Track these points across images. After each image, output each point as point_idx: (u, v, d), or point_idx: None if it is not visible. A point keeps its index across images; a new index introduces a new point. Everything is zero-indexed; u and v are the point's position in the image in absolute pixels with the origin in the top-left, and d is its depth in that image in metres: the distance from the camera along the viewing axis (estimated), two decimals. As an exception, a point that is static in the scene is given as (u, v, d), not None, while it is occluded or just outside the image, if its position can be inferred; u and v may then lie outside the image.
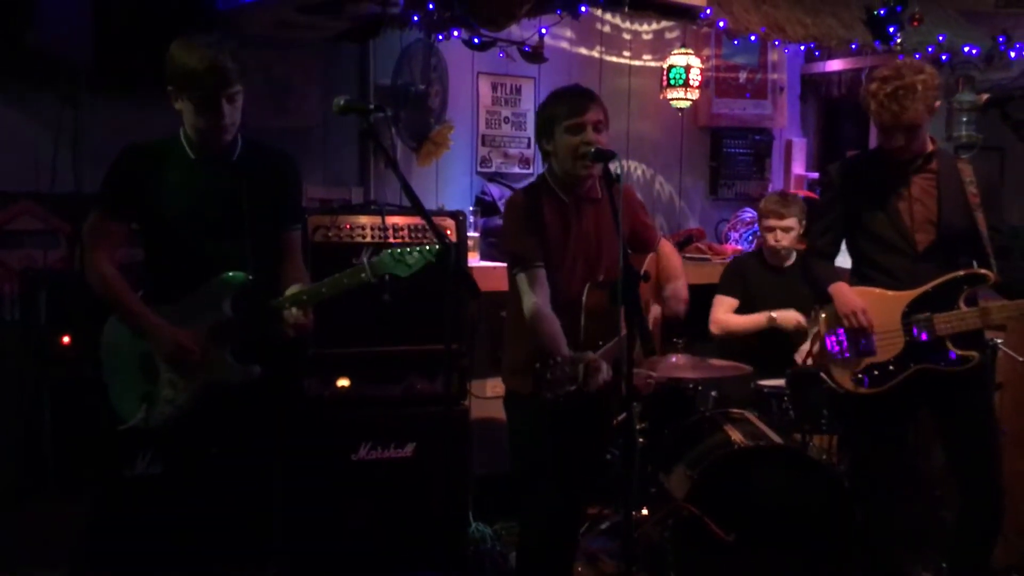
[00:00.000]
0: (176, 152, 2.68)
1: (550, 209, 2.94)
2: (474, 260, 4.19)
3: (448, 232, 3.65)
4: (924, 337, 3.09)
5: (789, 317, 4.07)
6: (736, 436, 3.54)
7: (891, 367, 3.13)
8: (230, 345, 2.70)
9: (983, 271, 3.08)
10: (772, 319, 4.11)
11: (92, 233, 2.69)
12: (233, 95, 2.58)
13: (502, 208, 4.40)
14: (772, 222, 4.24)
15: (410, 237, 3.74)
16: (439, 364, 3.73)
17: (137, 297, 2.68)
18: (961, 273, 3.09)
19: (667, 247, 3.25)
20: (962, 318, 3.08)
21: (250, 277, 2.70)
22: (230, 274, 2.69)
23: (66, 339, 3.32)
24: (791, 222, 4.20)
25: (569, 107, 2.85)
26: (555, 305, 2.84)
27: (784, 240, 4.21)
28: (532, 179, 3.39)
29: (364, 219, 3.72)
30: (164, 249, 2.70)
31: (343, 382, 3.66)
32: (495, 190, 4.70)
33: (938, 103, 3.07)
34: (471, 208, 4.59)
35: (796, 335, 4.01)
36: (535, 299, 2.83)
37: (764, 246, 4.32)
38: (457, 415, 3.77)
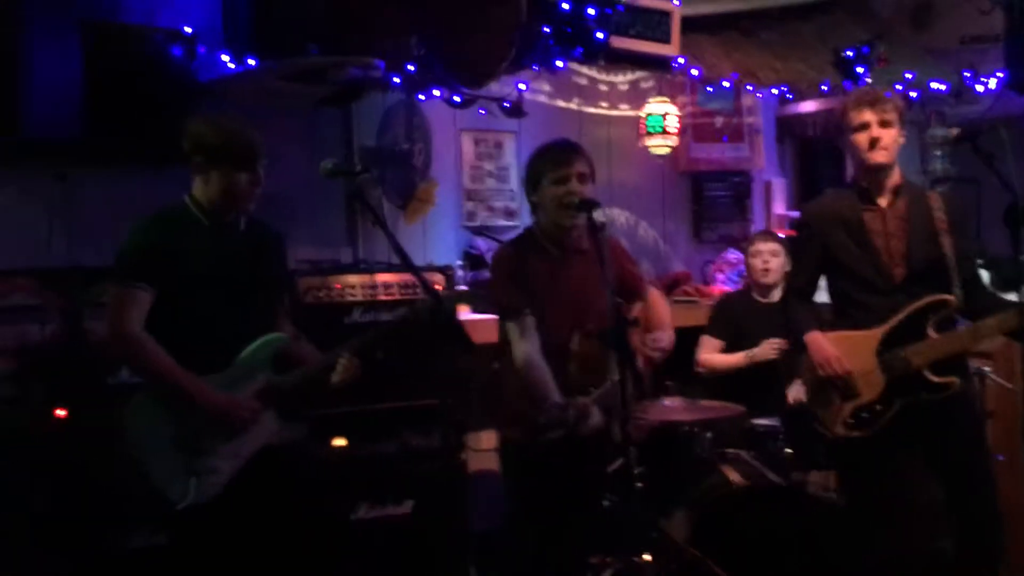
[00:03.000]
0: (189, 220, 2.76)
1: (537, 260, 2.99)
2: (465, 313, 4.22)
3: (438, 287, 3.69)
4: (902, 372, 3.12)
5: (766, 351, 4.10)
6: (734, 476, 3.55)
7: (878, 406, 3.15)
8: (276, 407, 2.79)
9: (944, 297, 3.11)
10: (750, 357, 4.15)
11: (117, 304, 2.67)
12: (263, 164, 2.77)
13: (490, 261, 4.45)
14: (759, 246, 4.31)
15: (400, 294, 3.78)
16: (433, 419, 3.75)
17: (181, 368, 2.67)
18: (923, 302, 3.12)
19: (656, 296, 3.30)
20: (933, 346, 3.10)
21: (286, 337, 2.82)
22: (269, 337, 2.81)
23: (61, 413, 3.32)
24: (776, 247, 4.27)
25: (554, 160, 2.94)
26: (543, 353, 2.88)
27: (772, 264, 4.26)
28: (518, 230, 3.45)
29: (354, 278, 3.76)
30: (185, 318, 2.72)
31: (339, 442, 3.66)
32: (482, 244, 4.76)
33: (905, 121, 3.18)
34: (459, 263, 4.64)
35: (785, 365, 4.04)
36: (525, 347, 2.87)
37: (751, 279, 4.38)
38: (454, 469, 3.78)
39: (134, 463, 2.64)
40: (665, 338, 3.08)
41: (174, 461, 2.66)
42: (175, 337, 2.68)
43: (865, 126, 3.14)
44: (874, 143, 3.13)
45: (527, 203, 3.13)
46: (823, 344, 3.20)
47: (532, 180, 3.00)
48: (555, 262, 3.01)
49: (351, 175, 2.71)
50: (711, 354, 4.32)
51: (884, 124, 3.12)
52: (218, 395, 2.69)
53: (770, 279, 4.28)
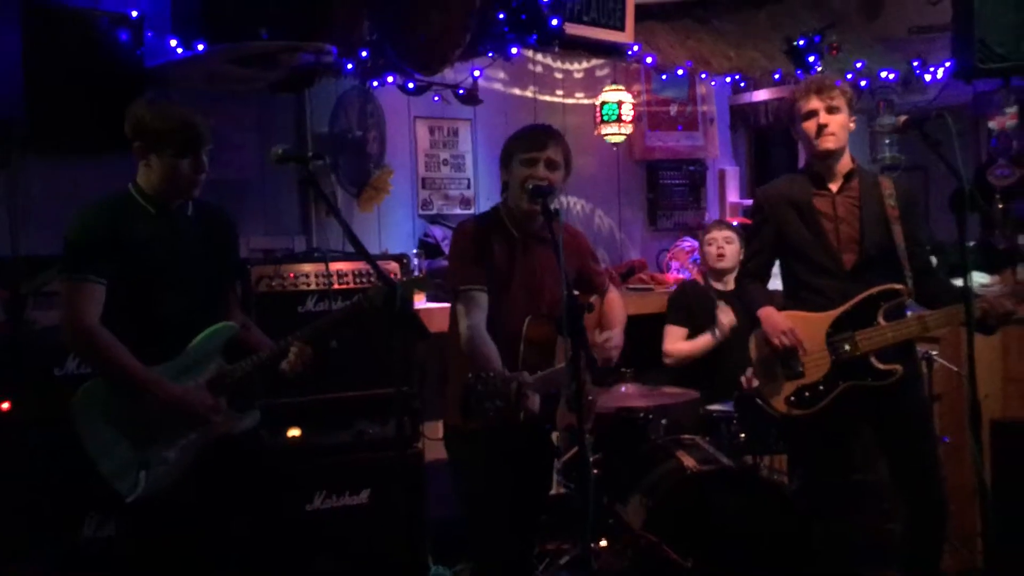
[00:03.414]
0: (135, 208, 2.71)
1: (498, 240, 2.99)
2: (420, 302, 4.20)
3: (393, 275, 3.67)
4: (848, 355, 3.17)
5: (723, 324, 4.13)
6: (688, 462, 3.58)
7: (821, 387, 3.21)
8: (227, 396, 2.75)
9: (896, 286, 3.18)
10: (715, 334, 4.18)
11: (72, 297, 2.61)
12: (208, 150, 2.71)
13: (446, 249, 4.43)
14: (714, 234, 4.35)
15: (355, 283, 3.75)
16: (389, 408, 3.73)
17: (137, 360, 2.62)
18: (875, 290, 3.18)
19: (614, 295, 3.30)
20: (882, 333, 3.17)
21: (236, 326, 2.79)
22: (219, 325, 2.77)
23: (5, 405, 3.24)
24: (730, 235, 4.31)
25: (527, 142, 2.95)
26: (495, 336, 2.87)
27: (727, 251, 4.29)
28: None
29: (308, 267, 3.72)
30: (136, 307, 2.68)
31: (294, 432, 3.63)
32: (438, 232, 4.74)
33: (854, 107, 3.24)
34: (415, 251, 4.62)
35: (742, 357, 4.08)
36: (471, 321, 2.86)
37: (707, 266, 4.41)
38: (410, 458, 3.76)
39: (82, 452, 2.59)
40: (616, 336, 3.08)
41: (124, 453, 2.62)
42: (125, 326, 2.63)
43: (813, 113, 3.19)
44: (821, 129, 3.18)
45: (485, 187, 3.12)
46: (776, 317, 3.25)
47: (505, 157, 3.01)
48: (515, 245, 3.01)
49: (303, 160, 2.66)
50: (676, 343, 4.34)
51: (831, 110, 3.18)
52: (175, 387, 2.65)
53: (725, 264, 4.31)
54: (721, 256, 4.31)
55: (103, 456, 2.61)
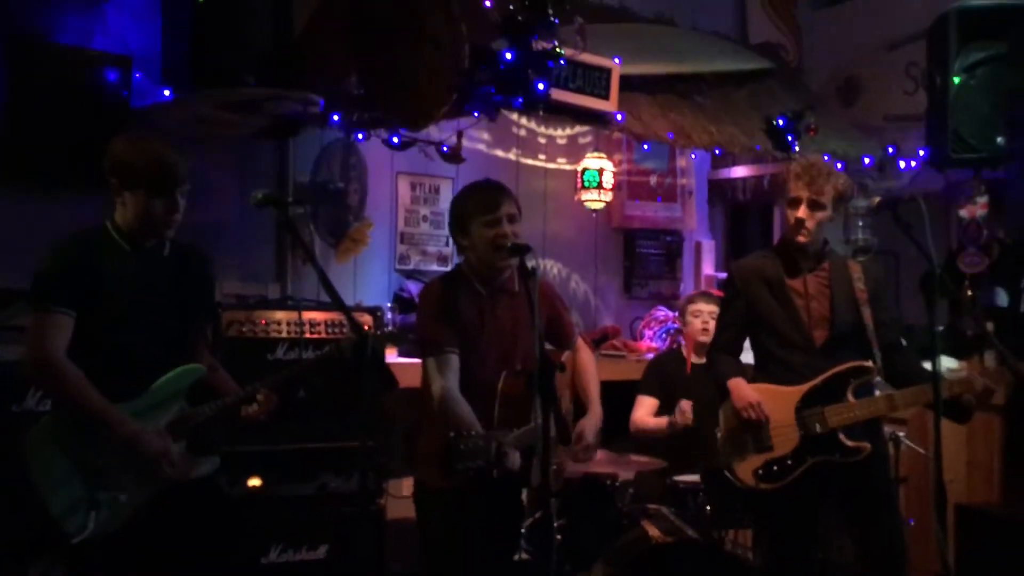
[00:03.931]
0: (109, 245, 2.68)
1: (466, 299, 2.98)
2: (392, 356, 4.17)
3: (366, 327, 3.65)
4: (817, 430, 3.18)
5: (683, 410, 4.08)
6: (653, 532, 3.54)
7: (789, 461, 3.20)
8: (187, 439, 2.70)
9: (866, 364, 3.21)
10: (672, 422, 4.13)
11: (39, 329, 2.56)
12: (184, 191, 2.68)
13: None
14: (700, 306, 4.31)
15: (327, 333, 3.72)
16: (353, 461, 3.67)
17: (101, 396, 2.57)
18: (845, 367, 3.20)
19: (585, 356, 3.25)
20: (851, 409, 3.18)
21: (204, 369, 2.76)
22: (186, 367, 2.73)
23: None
24: (716, 308, 4.30)
25: (483, 203, 2.94)
26: (468, 392, 2.85)
27: (711, 326, 4.25)
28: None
29: (280, 314, 3.70)
30: (102, 343, 2.63)
31: (254, 481, 3.56)
32: (413, 287, 4.73)
33: (843, 203, 3.28)
34: (389, 305, 4.60)
35: (710, 431, 4.06)
36: (444, 383, 2.84)
37: (689, 338, 4.38)
38: (372, 514, 3.70)
39: (33, 491, 2.51)
40: (589, 433, 3.03)
41: (75, 491, 2.55)
42: (89, 361, 2.59)
43: (797, 202, 3.22)
44: (799, 223, 3.23)
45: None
46: (745, 389, 3.25)
47: (459, 222, 2.99)
48: (484, 301, 3.00)
49: (283, 205, 2.66)
50: (643, 416, 4.31)
51: (814, 206, 3.20)
52: (132, 425, 2.59)
53: (709, 338, 4.30)
54: (706, 330, 4.27)
55: (53, 494, 2.54)
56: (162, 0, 3.57)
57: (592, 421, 3.06)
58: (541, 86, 3.65)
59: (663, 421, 4.19)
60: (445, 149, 4.22)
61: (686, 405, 4.04)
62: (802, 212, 3.21)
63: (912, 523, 4.03)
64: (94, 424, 2.56)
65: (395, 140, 4.04)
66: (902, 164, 5.47)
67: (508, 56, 3.58)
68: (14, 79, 3.59)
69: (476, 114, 3.92)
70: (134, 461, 2.59)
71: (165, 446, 2.62)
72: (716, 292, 5.35)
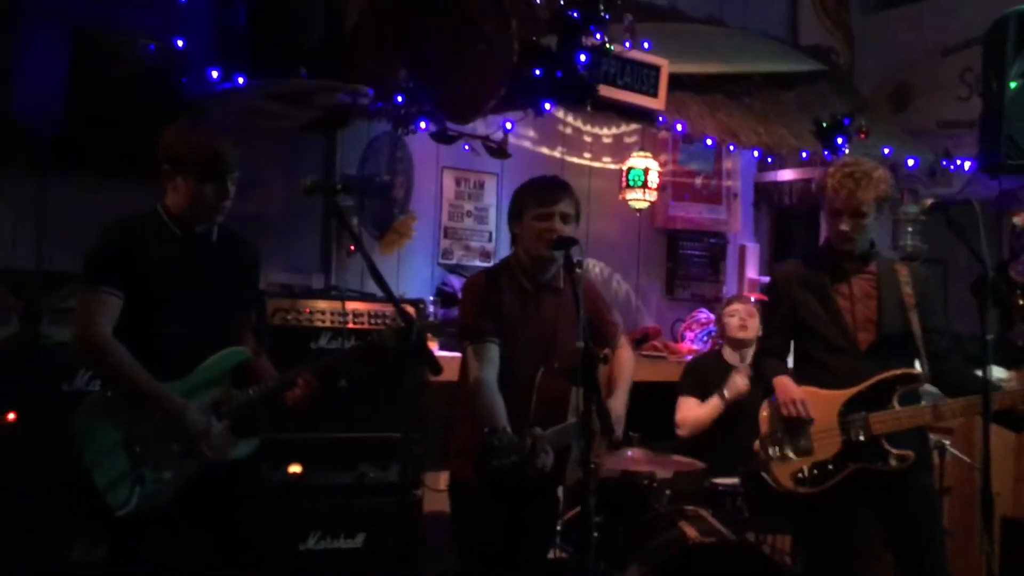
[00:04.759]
0: (159, 228, 2.74)
1: (510, 292, 2.99)
2: (432, 349, 4.18)
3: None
4: (860, 436, 3.13)
5: (736, 385, 4.07)
6: (691, 532, 3.51)
7: (830, 466, 3.16)
8: (230, 420, 2.74)
9: (914, 371, 3.15)
10: (723, 396, 4.12)
11: (88, 308, 2.63)
12: (234, 178, 2.75)
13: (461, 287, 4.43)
14: (736, 306, 4.33)
15: (370, 323, 3.75)
16: (392, 452, 3.70)
17: (147, 373, 2.62)
18: (893, 373, 3.15)
19: (625, 352, 3.25)
20: (896, 417, 3.12)
21: (248, 352, 2.81)
22: (231, 350, 2.79)
23: (11, 416, 3.23)
24: (752, 309, 4.30)
25: (539, 196, 2.96)
26: (506, 387, 2.86)
27: (748, 324, 4.26)
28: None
29: (324, 304, 3.73)
30: (148, 324, 2.68)
31: (295, 468, 3.59)
32: (456, 281, 4.74)
33: (887, 204, 3.20)
34: (431, 298, 4.62)
35: (753, 433, 4.02)
36: (482, 374, 2.85)
37: (727, 336, 4.37)
38: (409, 505, 3.71)
39: (79, 465, 2.57)
40: (617, 406, 3.03)
41: (120, 466, 2.60)
42: (136, 341, 2.64)
43: (839, 213, 3.17)
44: (843, 236, 3.18)
45: (506, 241, 3.14)
46: (791, 386, 3.21)
47: (515, 211, 3.02)
48: (528, 297, 3.00)
49: (332, 192, 2.71)
50: (690, 412, 4.29)
51: (857, 215, 3.15)
52: (179, 401, 2.64)
53: (747, 335, 4.29)
54: (743, 327, 4.28)
55: (100, 467, 2.59)
56: (216, -8, 3.62)
57: (616, 405, 3.04)
58: (589, 82, 3.63)
59: (714, 402, 4.16)
60: (493, 144, 4.21)
61: (739, 377, 4.01)
62: (845, 225, 3.15)
63: (953, 535, 3.94)
64: (139, 400, 2.62)
65: (440, 130, 4.01)
66: (958, 166, 5.36)
67: (556, 50, 3.57)
68: (76, 69, 3.67)
69: (524, 109, 3.90)
70: (177, 437, 2.63)
71: (207, 424, 2.66)
72: (755, 295, 5.32)
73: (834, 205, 3.18)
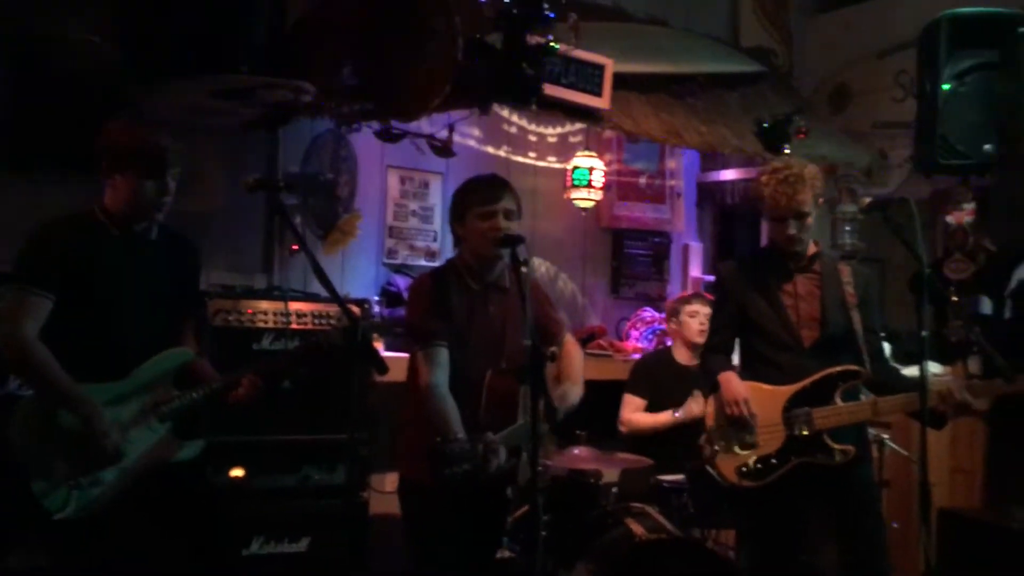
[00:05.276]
0: (95, 227, 2.67)
1: (456, 293, 2.97)
2: (378, 349, 4.15)
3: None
4: (803, 431, 3.18)
5: (692, 409, 4.12)
6: (638, 530, 3.53)
7: (773, 460, 3.21)
8: (173, 422, 2.69)
9: (856, 368, 3.22)
10: (675, 416, 4.16)
11: (13, 309, 2.57)
12: (175, 174, 2.69)
13: (407, 290, 4.40)
14: (696, 307, 4.35)
15: (314, 324, 3.70)
16: (338, 454, 3.66)
17: (70, 378, 2.56)
18: (836, 370, 3.21)
19: (571, 346, 3.27)
20: (839, 412, 3.19)
21: (191, 353, 2.77)
22: (174, 351, 2.74)
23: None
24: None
25: (481, 194, 2.94)
26: (456, 389, 2.84)
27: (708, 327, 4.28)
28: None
29: (266, 304, 3.68)
30: (84, 325, 2.63)
31: (237, 472, 3.52)
32: (401, 281, 4.71)
33: (821, 200, 3.28)
34: (376, 298, 4.58)
35: (698, 431, 4.06)
36: (433, 379, 2.82)
37: (684, 338, 4.38)
38: (355, 508, 3.67)
39: (13, 470, 2.49)
40: (571, 392, 3.04)
41: (57, 469, 2.54)
42: (75, 342, 2.59)
43: (782, 219, 3.22)
44: (790, 239, 3.24)
45: (451, 241, 3.12)
46: (736, 383, 3.25)
47: (457, 212, 2.99)
48: (475, 297, 2.99)
49: (274, 189, 2.67)
50: (634, 413, 4.31)
51: (799, 216, 3.21)
52: (92, 404, 2.57)
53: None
54: (703, 331, 4.29)
55: (36, 472, 2.53)
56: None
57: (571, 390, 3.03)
58: (534, 81, 3.63)
59: (665, 416, 4.19)
60: (438, 142, 4.19)
61: (696, 405, 4.03)
62: (792, 229, 3.21)
63: (896, 526, 4.03)
64: (60, 403, 2.55)
65: (386, 132, 3.99)
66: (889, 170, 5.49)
67: (501, 48, 3.56)
68: (14, 70, 3.58)
69: (468, 107, 3.88)
70: (91, 441, 2.56)
71: (113, 448, 2.58)
72: (708, 295, 5.38)
73: (776, 212, 3.23)
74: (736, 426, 3.23)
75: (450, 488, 2.62)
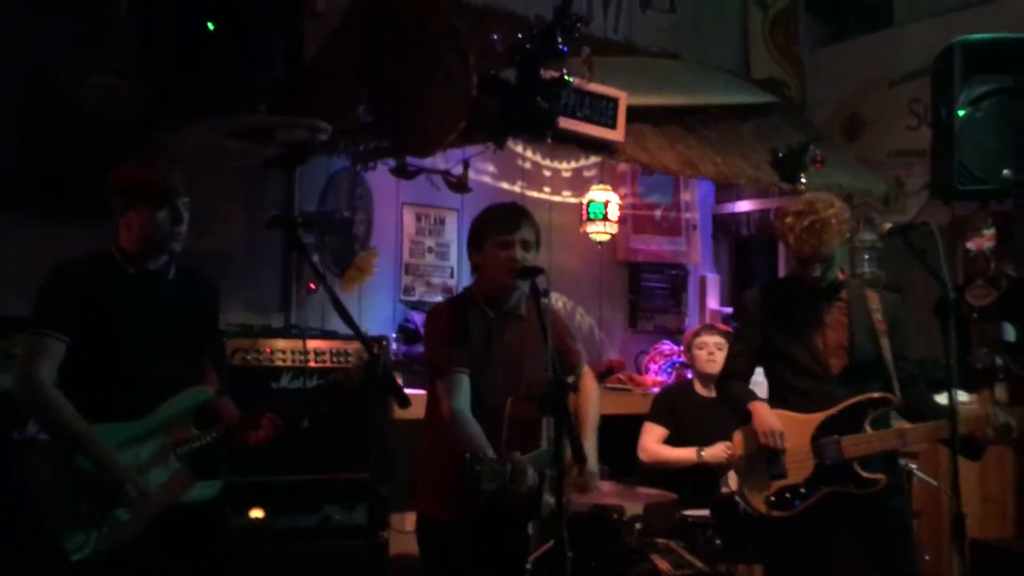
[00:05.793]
0: (112, 267, 2.67)
1: (473, 321, 2.95)
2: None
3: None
4: (833, 460, 3.13)
5: (717, 453, 4.06)
6: (663, 565, 3.48)
7: (802, 489, 3.16)
8: (190, 461, 2.67)
9: (887, 395, 3.17)
10: (701, 456, 4.10)
11: (31, 352, 2.56)
12: (186, 203, 2.68)
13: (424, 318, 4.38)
14: (704, 338, 4.33)
15: (332, 361, 3.69)
16: (358, 493, 3.62)
17: (84, 422, 2.55)
18: (866, 397, 3.16)
19: (588, 384, 3.19)
20: (869, 440, 3.14)
21: (211, 391, 2.74)
22: (194, 389, 2.72)
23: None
24: (721, 340, 4.30)
25: (500, 224, 2.93)
26: (477, 417, 2.81)
27: (717, 356, 4.25)
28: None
29: (284, 343, 3.67)
30: (101, 364, 2.61)
31: (257, 513, 3.49)
32: (418, 318, 4.70)
33: (846, 226, 3.24)
34: (393, 335, 4.57)
35: (723, 467, 4.01)
36: (455, 404, 2.80)
37: (696, 369, 4.37)
38: (375, 548, 3.63)
39: (35, 512, 2.47)
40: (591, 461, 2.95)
41: (75, 511, 2.51)
42: (93, 382, 2.58)
43: (808, 262, 3.22)
44: (817, 280, 3.22)
45: (468, 277, 3.11)
46: (767, 413, 3.21)
47: (476, 239, 2.98)
48: (491, 324, 2.97)
49: (293, 225, 2.67)
50: (657, 444, 4.26)
51: (824, 260, 3.20)
52: (115, 467, 2.55)
53: (716, 368, 4.27)
54: (712, 360, 4.27)
55: (54, 514, 2.50)
56: (174, 27, 3.57)
57: (589, 446, 2.99)
58: (549, 115, 3.64)
59: (688, 454, 4.13)
60: (452, 178, 4.20)
61: (723, 450, 3.96)
62: (817, 272, 3.21)
63: (928, 558, 3.95)
64: (73, 447, 2.53)
65: (402, 169, 4.00)
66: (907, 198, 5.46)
67: (515, 83, 3.58)
68: (30, 108, 3.61)
69: (483, 143, 3.89)
70: (107, 486, 2.54)
71: (134, 482, 2.56)
72: (721, 326, 5.34)
73: (801, 256, 3.23)
74: (765, 456, 3.18)
75: (468, 518, 2.56)
